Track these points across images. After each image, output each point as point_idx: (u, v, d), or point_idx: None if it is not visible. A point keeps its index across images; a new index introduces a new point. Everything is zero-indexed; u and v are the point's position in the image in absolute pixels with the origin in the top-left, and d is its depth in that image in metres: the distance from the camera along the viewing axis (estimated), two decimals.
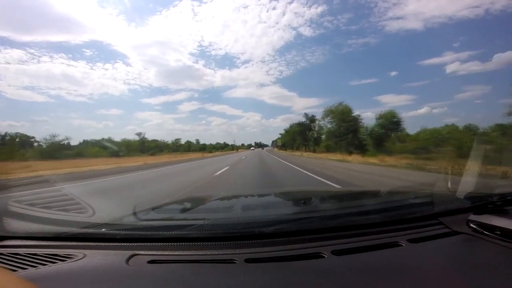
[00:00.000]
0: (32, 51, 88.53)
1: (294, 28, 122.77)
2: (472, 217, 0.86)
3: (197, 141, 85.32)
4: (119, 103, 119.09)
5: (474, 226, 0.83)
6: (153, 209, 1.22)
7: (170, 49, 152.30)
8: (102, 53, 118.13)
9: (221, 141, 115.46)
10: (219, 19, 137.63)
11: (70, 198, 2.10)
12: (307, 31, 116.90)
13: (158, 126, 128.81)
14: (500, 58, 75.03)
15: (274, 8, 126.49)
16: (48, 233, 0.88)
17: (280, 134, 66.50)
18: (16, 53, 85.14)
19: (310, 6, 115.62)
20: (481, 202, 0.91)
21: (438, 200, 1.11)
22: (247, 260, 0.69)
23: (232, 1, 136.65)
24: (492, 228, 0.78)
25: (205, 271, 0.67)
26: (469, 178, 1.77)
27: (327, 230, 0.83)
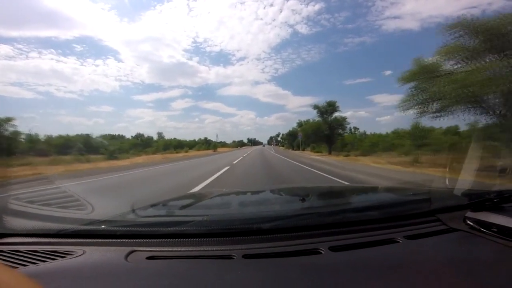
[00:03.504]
0: (20, 46, 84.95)
1: (291, 26, 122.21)
2: (470, 214, 0.87)
3: (160, 134, 49.68)
4: (110, 100, 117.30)
5: (471, 223, 0.83)
6: (152, 206, 1.22)
7: (164, 45, 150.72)
8: (93, 49, 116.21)
9: (217, 139, 78.90)
10: (214, 15, 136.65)
11: (69, 195, 2.09)
12: (303, 29, 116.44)
13: (150, 124, 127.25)
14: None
15: (271, 5, 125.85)
16: (48, 230, 0.88)
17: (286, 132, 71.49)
18: (3, 48, 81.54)
19: (307, 4, 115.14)
20: (479, 199, 0.91)
21: (435, 197, 1.11)
22: (245, 256, 0.70)
23: None
24: (489, 226, 0.78)
25: (203, 267, 0.68)
26: (467, 175, 1.78)
27: (324, 227, 0.84)
